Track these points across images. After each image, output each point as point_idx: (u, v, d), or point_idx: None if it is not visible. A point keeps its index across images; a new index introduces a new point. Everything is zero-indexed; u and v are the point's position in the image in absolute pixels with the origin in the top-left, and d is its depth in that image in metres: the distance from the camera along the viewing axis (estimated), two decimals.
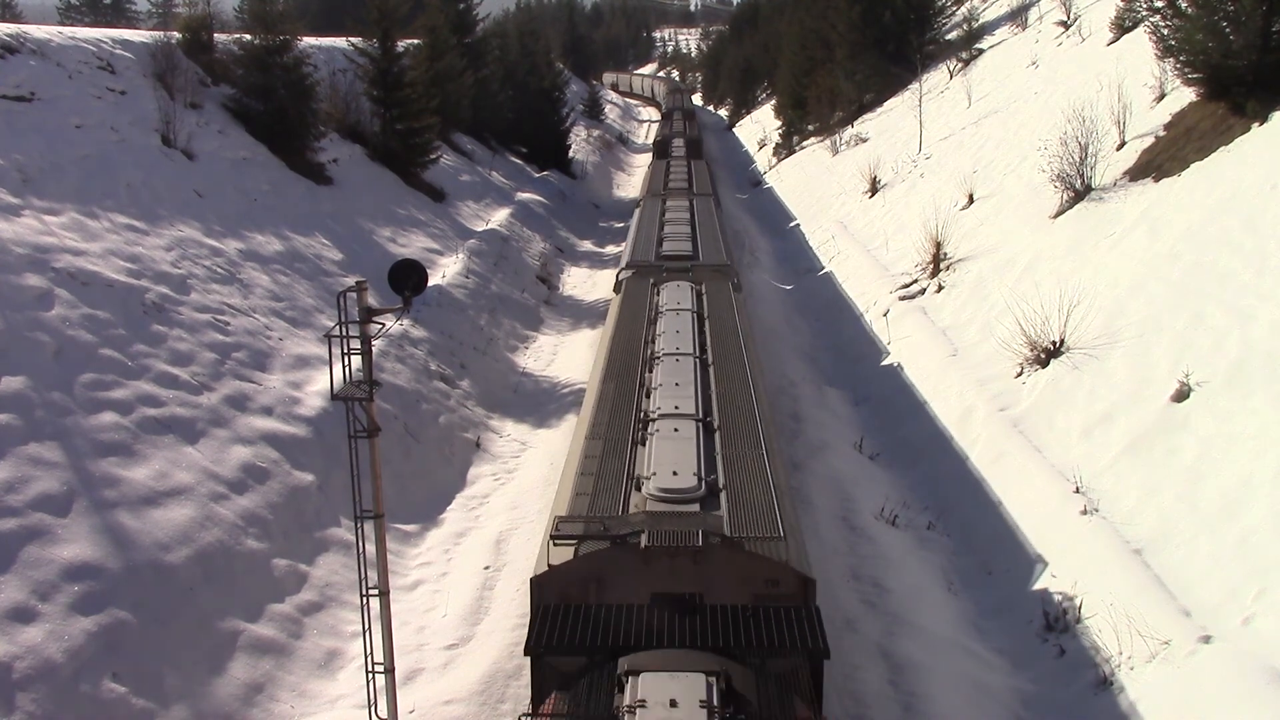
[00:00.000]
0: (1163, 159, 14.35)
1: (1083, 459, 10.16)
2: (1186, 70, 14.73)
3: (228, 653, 8.19)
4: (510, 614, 9.29)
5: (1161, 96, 16.31)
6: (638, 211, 19.33)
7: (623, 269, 13.81)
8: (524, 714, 5.71)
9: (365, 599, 6.71)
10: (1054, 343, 12.09)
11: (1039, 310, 12.28)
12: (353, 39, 24.34)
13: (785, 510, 6.65)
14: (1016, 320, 12.65)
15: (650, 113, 77.73)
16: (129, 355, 10.31)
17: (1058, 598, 8.89)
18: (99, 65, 16.09)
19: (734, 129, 61.05)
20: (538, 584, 6.05)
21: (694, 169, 25.28)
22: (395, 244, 19.09)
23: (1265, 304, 10.02)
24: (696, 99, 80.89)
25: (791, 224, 29.12)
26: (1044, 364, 12.13)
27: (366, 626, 6.75)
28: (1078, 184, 15.28)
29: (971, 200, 19.02)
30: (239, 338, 12.10)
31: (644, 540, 5.93)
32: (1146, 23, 17.33)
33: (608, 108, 64.83)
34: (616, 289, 13.16)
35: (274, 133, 18.70)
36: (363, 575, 6.67)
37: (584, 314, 21.07)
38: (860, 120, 34.49)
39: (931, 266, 17.31)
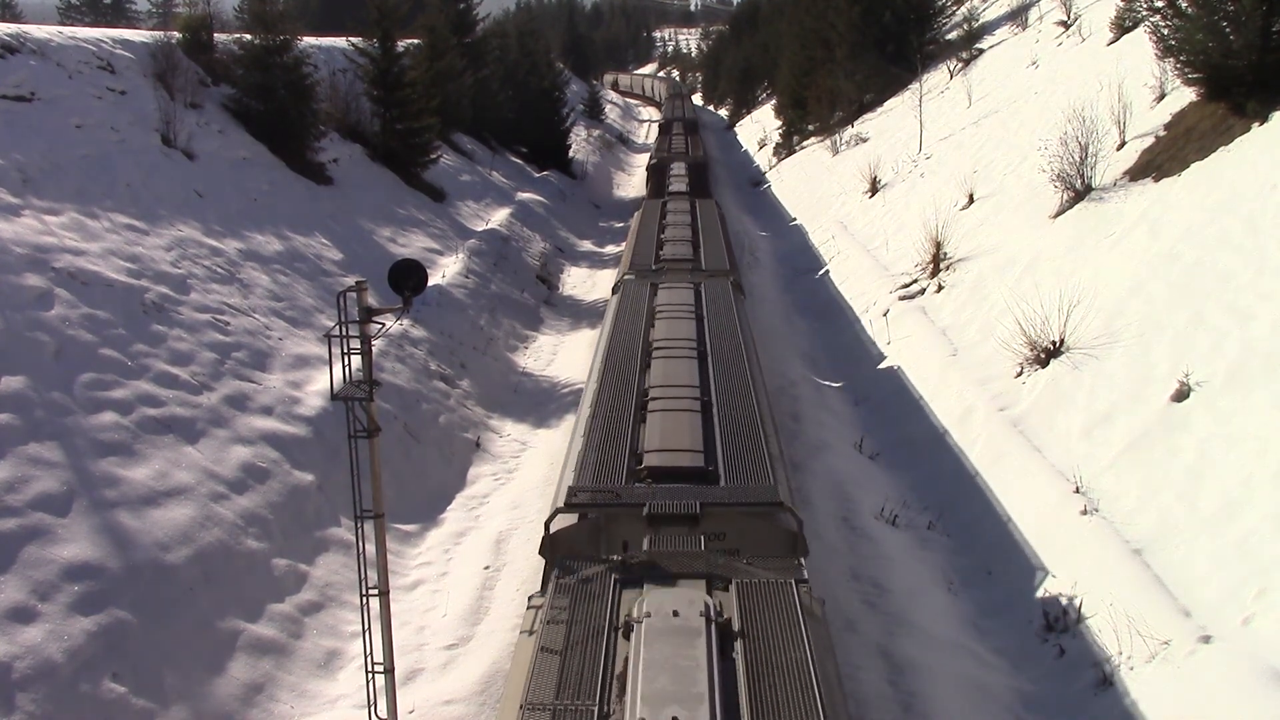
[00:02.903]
0: (1163, 159, 14.35)
1: (1083, 459, 10.16)
2: (1186, 70, 14.72)
3: (228, 653, 8.19)
4: (510, 614, 9.29)
5: (1161, 96, 16.30)
6: (609, 317, 11.47)
7: (560, 510, 6.63)
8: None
9: (365, 599, 6.71)
10: (1054, 343, 12.09)
11: (1039, 310, 12.28)
12: (353, 39, 24.34)
13: None
14: (1016, 320, 12.65)
15: (650, 112, 77.62)
16: (129, 355, 10.31)
17: (1058, 598, 8.88)
18: (99, 65, 16.09)
19: (734, 129, 61.04)
20: None
21: (701, 217, 17.87)
22: (395, 244, 19.09)
23: (1265, 304, 10.02)
24: (697, 99, 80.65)
25: (791, 224, 29.11)
26: (1044, 364, 12.12)
27: (366, 626, 6.74)
28: (1078, 184, 15.27)
29: (971, 200, 19.01)
30: (239, 337, 12.10)
31: None
32: (1146, 23, 17.32)
33: (608, 108, 64.82)
34: (545, 551, 6.49)
35: (274, 133, 18.70)
36: (363, 575, 6.67)
37: (584, 314, 21.08)
38: (860, 120, 34.48)
39: (931, 266, 17.30)
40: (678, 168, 26.01)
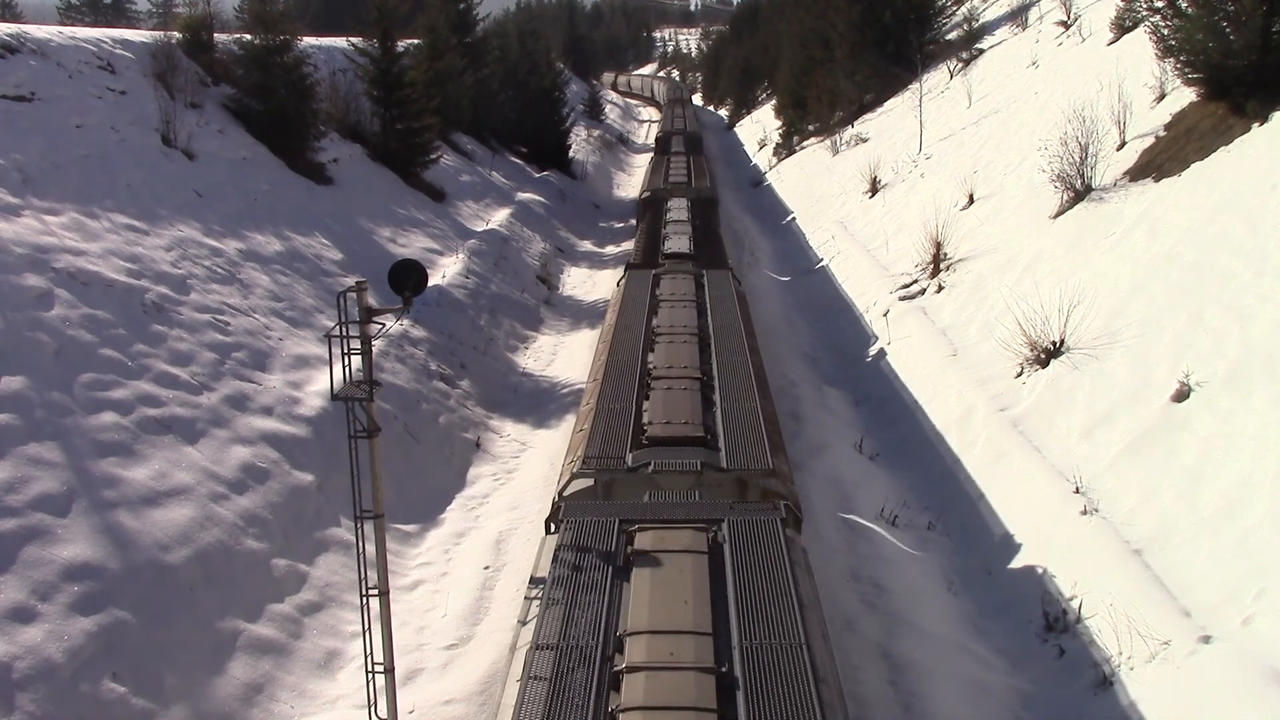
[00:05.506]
0: (1163, 159, 14.35)
1: (1083, 459, 10.16)
2: (1186, 70, 14.73)
3: (228, 653, 8.19)
4: (510, 614, 9.28)
5: (1162, 96, 16.30)
6: (534, 623, 5.47)
7: None
8: None
9: (365, 599, 6.71)
10: (1054, 343, 12.09)
11: (1039, 310, 12.28)
12: (353, 39, 24.36)
13: None
14: (1016, 320, 12.64)
15: (650, 112, 77.55)
16: (129, 355, 10.31)
17: (1058, 598, 8.88)
18: (99, 65, 16.09)
19: (734, 129, 61.06)
20: None
21: (713, 315, 11.27)
22: (395, 244, 19.09)
23: (1265, 304, 10.02)
24: (696, 99, 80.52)
25: (791, 223, 29.11)
26: (1044, 364, 12.12)
27: (366, 626, 6.74)
28: (1078, 184, 15.27)
29: (971, 200, 19.01)
30: (239, 338, 12.10)
31: None
32: (1146, 23, 17.33)
33: (608, 108, 64.83)
34: None
35: (274, 133, 18.70)
36: (363, 575, 6.67)
37: (584, 314, 21.07)
38: (860, 120, 34.49)
39: (931, 266, 17.30)
40: (677, 208, 19.02)
